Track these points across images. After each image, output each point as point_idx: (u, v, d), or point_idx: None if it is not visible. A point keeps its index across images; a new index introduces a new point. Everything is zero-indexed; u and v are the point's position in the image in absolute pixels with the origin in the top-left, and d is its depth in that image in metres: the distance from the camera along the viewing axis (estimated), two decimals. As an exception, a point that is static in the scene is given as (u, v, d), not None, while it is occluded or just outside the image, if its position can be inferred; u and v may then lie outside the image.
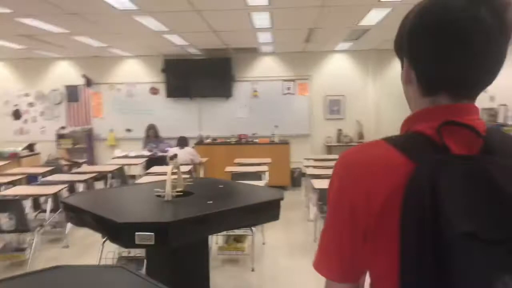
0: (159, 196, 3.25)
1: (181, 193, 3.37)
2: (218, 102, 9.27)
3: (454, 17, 0.72)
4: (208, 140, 8.47)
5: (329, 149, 9.17)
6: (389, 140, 0.78)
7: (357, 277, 0.83)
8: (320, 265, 0.84)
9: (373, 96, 9.26)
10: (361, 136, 9.20)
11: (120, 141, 9.47)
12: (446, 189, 0.67)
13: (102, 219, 2.75)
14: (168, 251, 3.19)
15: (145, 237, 2.63)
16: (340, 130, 9.27)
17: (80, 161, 7.64)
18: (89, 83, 9.27)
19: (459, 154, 0.72)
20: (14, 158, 7.86)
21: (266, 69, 9.27)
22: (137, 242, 2.63)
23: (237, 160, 6.88)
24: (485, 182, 0.67)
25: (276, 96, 9.24)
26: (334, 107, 9.37)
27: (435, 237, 0.65)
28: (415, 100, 0.83)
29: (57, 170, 6.62)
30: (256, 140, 8.50)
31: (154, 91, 9.36)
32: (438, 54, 0.75)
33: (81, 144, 9.35)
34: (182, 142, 6.90)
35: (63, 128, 9.45)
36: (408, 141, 0.77)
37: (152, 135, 8.52)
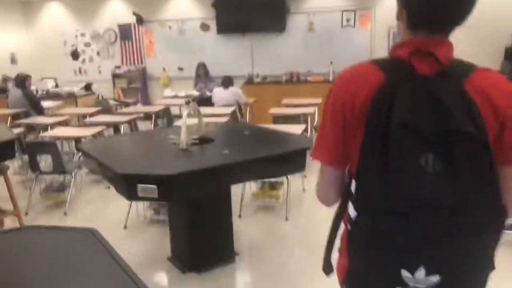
0: (175, 143, 3.06)
1: (199, 141, 3.16)
2: (271, 37, 8.78)
3: None
4: (258, 79, 8.11)
5: (391, 87, 8.47)
6: (373, 61, 1.04)
7: (345, 164, 1.08)
8: (317, 153, 1.10)
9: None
10: (428, 72, 8.36)
11: (173, 80, 9.42)
12: (401, 95, 0.93)
13: (107, 169, 2.62)
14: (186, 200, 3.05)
15: (148, 189, 2.47)
16: (404, 66, 8.48)
17: (130, 100, 7.69)
18: (140, 20, 9.15)
19: (419, 73, 0.97)
20: (70, 97, 8.10)
21: (323, -1, 8.52)
22: (139, 194, 2.49)
23: (285, 101, 6.53)
24: (429, 94, 0.93)
25: (334, 29, 8.55)
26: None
27: (386, 124, 0.92)
28: (402, 33, 1.07)
29: (106, 110, 6.71)
30: (309, 79, 8.02)
31: (205, 27, 9.05)
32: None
33: (135, 84, 9.44)
34: (227, 81, 6.64)
35: (118, 67, 9.55)
36: (387, 62, 1.03)
37: (202, 74, 8.34)
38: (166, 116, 6.68)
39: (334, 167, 1.08)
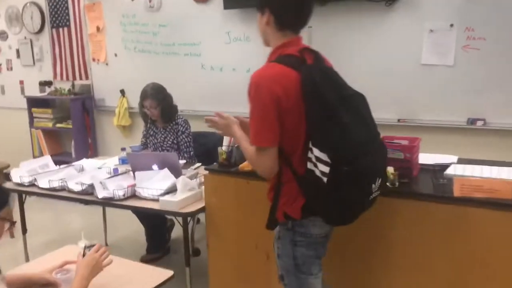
0: None
1: None
2: (362, 14, 3.34)
3: None
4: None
5: None
6: (279, 61, 1.64)
7: (278, 142, 1.65)
8: (257, 139, 1.64)
9: None
10: None
11: (138, 117, 4.58)
12: (317, 78, 1.59)
13: None
14: None
15: None
16: None
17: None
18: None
19: (311, 63, 1.66)
20: None
21: None
22: None
23: None
24: (321, 70, 1.65)
25: None
26: None
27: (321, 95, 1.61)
28: (272, 36, 1.71)
29: None
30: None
31: (199, -7, 3.98)
32: (289, 8, 1.68)
33: (70, 121, 4.83)
34: None
35: (47, 84, 5.05)
36: (288, 60, 1.63)
37: (156, 114, 3.37)
38: None
39: (274, 147, 1.66)
